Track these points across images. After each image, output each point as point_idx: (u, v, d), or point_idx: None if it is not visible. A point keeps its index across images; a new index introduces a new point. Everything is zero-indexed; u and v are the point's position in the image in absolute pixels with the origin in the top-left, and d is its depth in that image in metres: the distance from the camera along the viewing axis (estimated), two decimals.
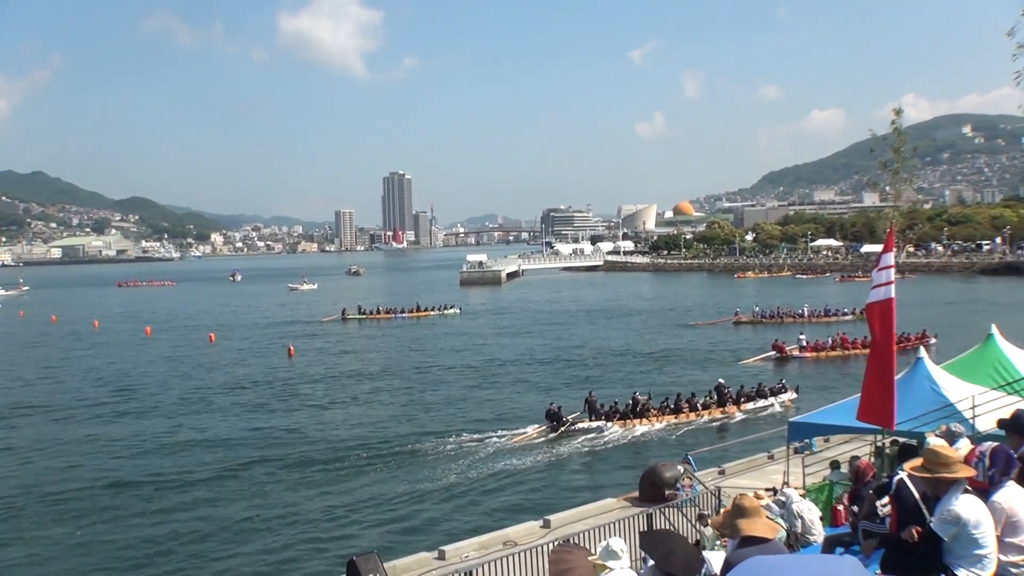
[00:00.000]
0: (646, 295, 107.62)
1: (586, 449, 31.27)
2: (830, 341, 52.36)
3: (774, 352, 50.65)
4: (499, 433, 33.59)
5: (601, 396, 36.48)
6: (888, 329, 12.08)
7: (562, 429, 33.43)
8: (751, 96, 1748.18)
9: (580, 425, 34.05)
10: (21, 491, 27.98)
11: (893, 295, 12.03)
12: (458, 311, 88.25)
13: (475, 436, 33.33)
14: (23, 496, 27.39)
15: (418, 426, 35.96)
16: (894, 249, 12.58)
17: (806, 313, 69.38)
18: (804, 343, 51.74)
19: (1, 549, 22.68)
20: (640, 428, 34.00)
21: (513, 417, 36.87)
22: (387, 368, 53.61)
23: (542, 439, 32.81)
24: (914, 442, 12.37)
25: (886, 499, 10.00)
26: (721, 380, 38.18)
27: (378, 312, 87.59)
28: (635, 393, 36.65)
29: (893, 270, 12.15)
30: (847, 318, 64.72)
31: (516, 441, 32.45)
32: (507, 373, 49.62)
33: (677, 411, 35.35)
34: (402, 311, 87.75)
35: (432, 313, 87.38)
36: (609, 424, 34.20)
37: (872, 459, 16.89)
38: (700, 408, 35.82)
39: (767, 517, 6.60)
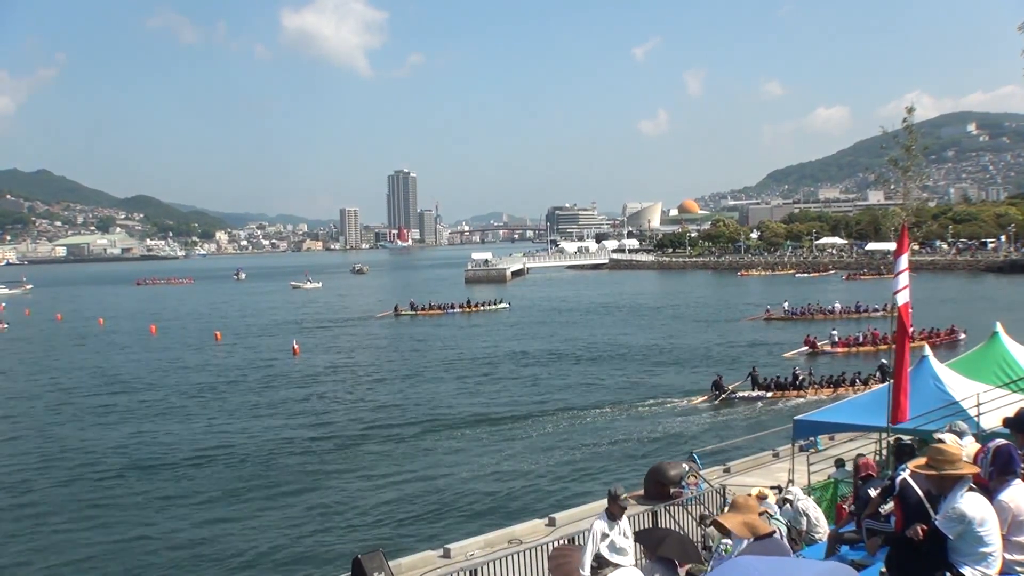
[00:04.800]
0: (654, 293, 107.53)
1: (597, 445, 31.24)
2: (861, 336, 52.81)
3: (806, 347, 51.25)
4: (508, 430, 33.74)
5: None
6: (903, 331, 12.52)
7: (723, 396, 37.93)
8: (755, 94, 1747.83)
9: (741, 394, 38.67)
10: (22, 484, 28.14)
11: (907, 299, 12.22)
12: (507, 306, 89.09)
13: (482, 433, 33.48)
14: (26, 489, 27.55)
15: (424, 421, 35.96)
16: (907, 252, 12.64)
17: (837, 309, 69.76)
18: (836, 338, 52.43)
19: (7, 540, 22.78)
20: (796, 400, 37.24)
21: (527, 412, 37.07)
22: (409, 364, 53.74)
23: (707, 404, 37.61)
24: (908, 439, 12.41)
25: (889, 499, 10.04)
26: (884, 360, 40.43)
27: (429, 308, 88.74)
28: (795, 368, 41.65)
29: (907, 274, 12.23)
30: (877, 314, 64.86)
31: (689, 403, 37.71)
32: (521, 370, 49.59)
33: (837, 385, 38.10)
34: (453, 307, 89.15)
35: (482, 309, 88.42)
36: (767, 394, 38.46)
37: (877, 457, 16.91)
38: (860, 383, 37.82)
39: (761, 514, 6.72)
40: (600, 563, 8.98)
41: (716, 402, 37.82)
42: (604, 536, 10.07)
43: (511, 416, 36.71)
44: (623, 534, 10.36)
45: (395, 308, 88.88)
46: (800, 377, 39.42)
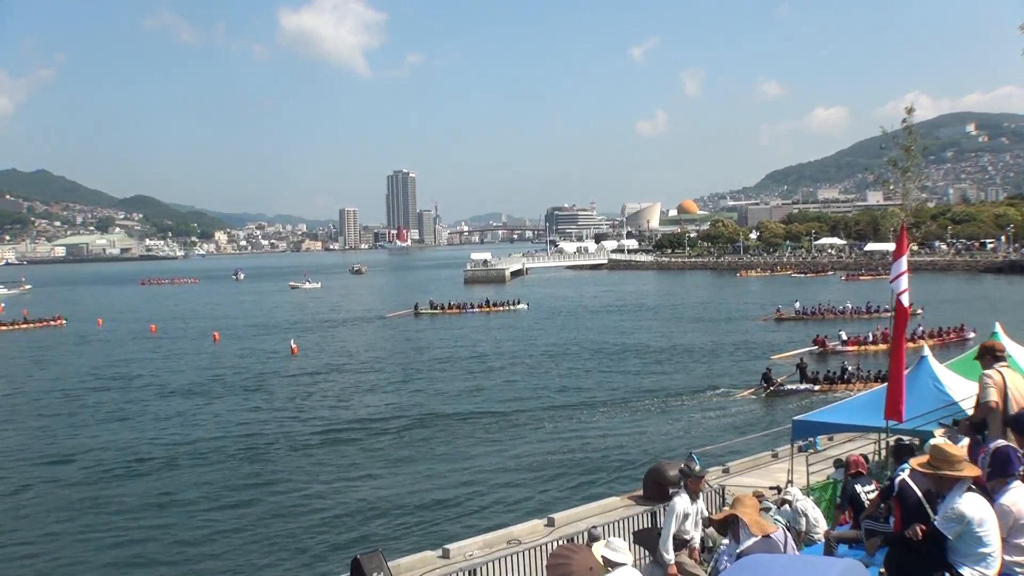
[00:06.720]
0: (655, 293, 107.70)
1: (598, 446, 31.23)
2: (871, 336, 52.76)
3: (816, 347, 51.29)
4: (508, 429, 33.80)
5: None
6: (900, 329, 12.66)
7: (771, 389, 38.85)
8: (753, 94, 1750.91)
9: (790, 386, 39.33)
10: (15, 482, 28.13)
11: (906, 303, 12.27)
12: (526, 306, 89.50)
13: (481, 432, 33.52)
14: (18, 487, 27.54)
15: (424, 421, 35.94)
16: (906, 253, 12.61)
17: (848, 309, 70.02)
18: (844, 338, 52.52)
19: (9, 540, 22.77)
20: (845, 393, 36.84)
21: (527, 411, 37.01)
22: (410, 363, 53.61)
23: (755, 397, 38.64)
24: (907, 439, 12.42)
25: (872, 485, 10.06)
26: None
27: (449, 307, 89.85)
28: (844, 362, 42.56)
29: (906, 276, 12.20)
30: (887, 315, 64.87)
31: (733, 398, 38.53)
32: (522, 368, 49.48)
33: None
34: (472, 306, 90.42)
35: (501, 308, 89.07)
36: (815, 388, 39.16)
37: (876, 457, 16.92)
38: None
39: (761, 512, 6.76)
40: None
41: (764, 395, 38.59)
42: (685, 515, 10.02)
43: (511, 415, 36.67)
44: (699, 512, 10.34)
45: (415, 307, 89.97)
46: (849, 371, 39.80)
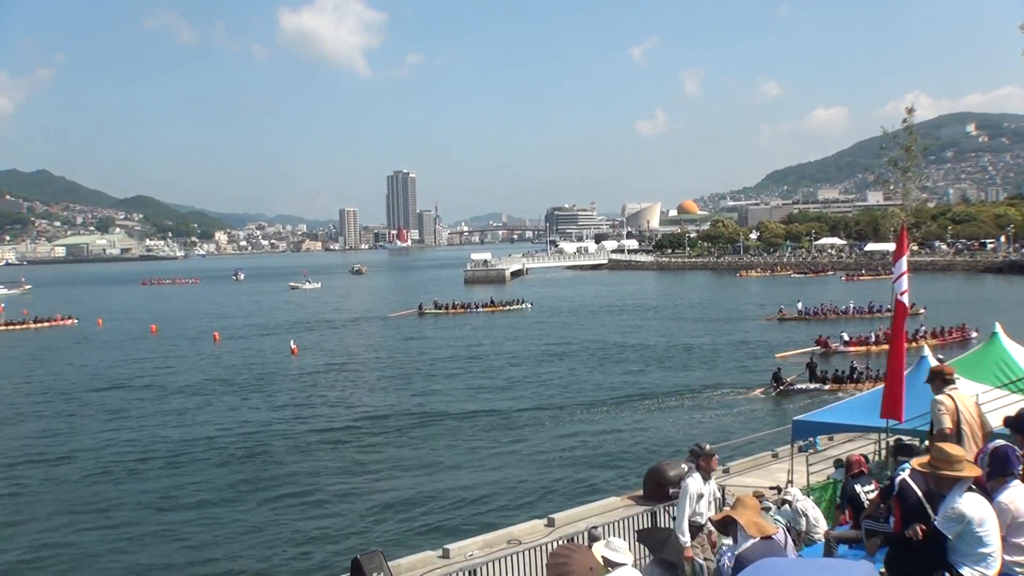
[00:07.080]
0: (655, 293, 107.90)
1: (598, 446, 31.22)
2: (873, 336, 52.56)
3: (818, 347, 51.22)
4: (508, 429, 33.79)
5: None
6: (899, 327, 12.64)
7: (781, 388, 38.92)
8: (753, 94, 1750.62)
9: (799, 386, 39.44)
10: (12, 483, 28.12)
11: (907, 303, 12.29)
12: (530, 306, 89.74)
13: (481, 432, 33.51)
14: (15, 488, 27.53)
15: (424, 420, 35.95)
16: (907, 254, 12.61)
17: (850, 309, 70.13)
18: (847, 338, 52.48)
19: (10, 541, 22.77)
20: (854, 392, 36.72)
21: (528, 411, 36.96)
22: (410, 363, 53.58)
23: (764, 396, 38.73)
24: (907, 439, 12.40)
25: (872, 485, 10.06)
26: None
27: (453, 307, 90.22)
28: (852, 362, 42.29)
29: (907, 277, 12.20)
30: (889, 314, 64.81)
31: (743, 396, 38.63)
32: (523, 368, 49.50)
33: None
34: (476, 306, 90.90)
35: (505, 308, 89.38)
36: (825, 387, 39.14)
37: (876, 457, 16.92)
38: None
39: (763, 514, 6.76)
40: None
41: (774, 394, 38.74)
42: (699, 496, 9.87)
43: (511, 415, 36.68)
44: (713, 494, 10.23)
45: (419, 306, 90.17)
46: (858, 370, 39.79)
